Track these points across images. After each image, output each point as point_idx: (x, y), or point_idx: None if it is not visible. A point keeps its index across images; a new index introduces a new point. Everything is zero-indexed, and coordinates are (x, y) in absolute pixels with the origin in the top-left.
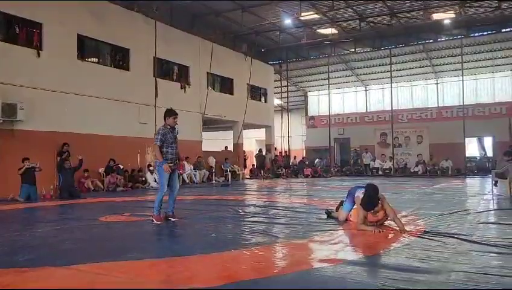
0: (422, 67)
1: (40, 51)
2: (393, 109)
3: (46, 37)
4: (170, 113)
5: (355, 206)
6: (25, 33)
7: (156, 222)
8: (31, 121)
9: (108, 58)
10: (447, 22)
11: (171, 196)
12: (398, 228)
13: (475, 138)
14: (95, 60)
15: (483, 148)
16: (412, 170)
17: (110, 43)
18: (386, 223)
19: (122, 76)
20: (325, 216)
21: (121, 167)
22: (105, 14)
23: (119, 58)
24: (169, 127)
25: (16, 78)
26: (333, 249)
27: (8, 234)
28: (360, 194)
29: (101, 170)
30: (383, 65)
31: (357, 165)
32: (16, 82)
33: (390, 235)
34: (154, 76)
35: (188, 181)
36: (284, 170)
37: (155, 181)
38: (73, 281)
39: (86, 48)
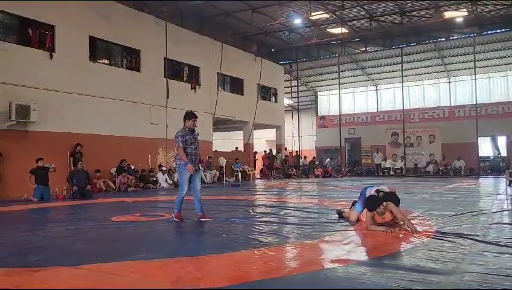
0: (434, 66)
1: (52, 53)
2: (405, 108)
3: (59, 39)
4: (190, 116)
5: None
6: (38, 35)
7: (175, 219)
8: (43, 122)
9: (120, 60)
10: (459, 20)
11: (195, 196)
12: (409, 229)
13: (488, 138)
14: (106, 61)
15: (496, 147)
16: (424, 170)
17: (121, 45)
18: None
19: (134, 77)
20: (336, 216)
21: (132, 167)
22: (116, 16)
23: (130, 59)
24: (187, 129)
25: (29, 79)
26: (344, 249)
27: (21, 234)
28: (371, 192)
29: (113, 170)
30: (394, 64)
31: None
32: (29, 83)
33: (401, 236)
34: (165, 77)
35: None
36: (294, 170)
37: (166, 181)
38: (84, 280)
39: (98, 49)
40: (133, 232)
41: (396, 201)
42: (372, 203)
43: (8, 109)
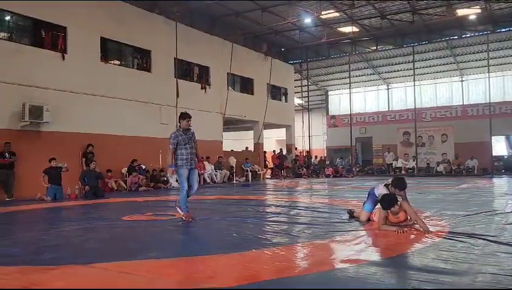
0: (447, 64)
1: (64, 54)
2: (417, 107)
3: (71, 40)
4: (184, 116)
5: (378, 206)
6: (50, 37)
7: (185, 219)
8: (56, 123)
9: (131, 60)
10: (472, 17)
11: (189, 192)
12: (421, 229)
13: (502, 137)
14: (117, 62)
15: (511, 146)
16: (436, 170)
17: (132, 45)
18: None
19: (144, 77)
20: (347, 216)
21: (143, 167)
22: (127, 17)
23: (140, 59)
24: (181, 129)
25: (42, 80)
26: (355, 249)
27: (35, 233)
28: (380, 188)
29: (124, 170)
30: (405, 63)
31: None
32: (42, 84)
33: (413, 236)
34: (175, 77)
35: (209, 181)
36: (304, 170)
37: (176, 181)
38: (96, 279)
39: (109, 50)
40: (144, 231)
41: (403, 186)
42: (388, 202)
43: (21, 110)
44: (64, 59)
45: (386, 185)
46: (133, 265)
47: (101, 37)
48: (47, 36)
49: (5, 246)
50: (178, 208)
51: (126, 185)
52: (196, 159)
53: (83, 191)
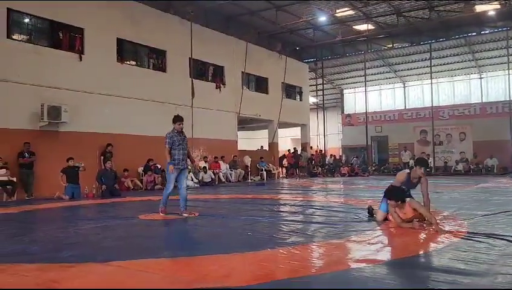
0: (465, 61)
1: (82, 55)
2: (434, 105)
3: (88, 41)
4: (176, 119)
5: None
6: (68, 38)
7: (160, 214)
8: (74, 123)
9: (146, 60)
10: (491, 13)
11: (180, 194)
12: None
13: None
14: (133, 62)
15: None
16: (454, 169)
17: (148, 46)
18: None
19: (160, 77)
20: (365, 214)
21: (159, 166)
22: (143, 18)
23: (156, 60)
24: (176, 131)
25: (60, 81)
26: (371, 249)
27: (54, 231)
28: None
29: (140, 169)
30: (422, 60)
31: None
32: (60, 85)
33: (431, 236)
34: (190, 77)
35: (224, 180)
36: (320, 169)
37: (191, 180)
38: (113, 277)
39: (125, 50)
40: (160, 230)
41: (424, 163)
42: (393, 193)
43: (40, 110)
44: (81, 60)
45: (408, 174)
46: (149, 263)
47: (117, 38)
48: (65, 38)
49: (24, 243)
50: (183, 212)
51: (142, 184)
52: (189, 160)
53: (100, 190)
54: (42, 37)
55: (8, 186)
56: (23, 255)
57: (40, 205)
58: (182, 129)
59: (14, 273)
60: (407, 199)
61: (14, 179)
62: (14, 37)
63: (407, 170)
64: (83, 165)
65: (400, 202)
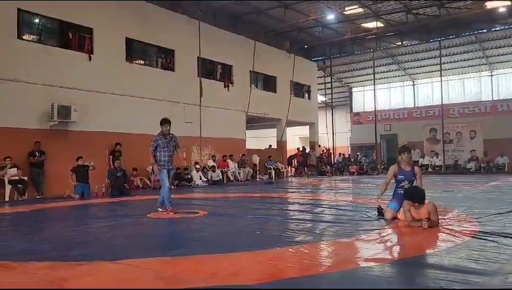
0: (475, 59)
1: (91, 55)
2: (444, 103)
3: (97, 41)
4: (163, 122)
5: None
6: (77, 38)
7: (169, 213)
8: (83, 122)
9: (155, 60)
10: (502, 10)
11: (161, 191)
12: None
13: None
14: (142, 61)
15: None
16: (465, 167)
17: (156, 45)
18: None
19: (168, 76)
20: (374, 213)
21: None
22: (151, 17)
23: (164, 59)
24: (162, 134)
25: (70, 81)
26: (381, 248)
27: (64, 229)
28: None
29: (149, 168)
30: (432, 58)
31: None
32: (70, 85)
33: (441, 235)
34: (198, 76)
35: (232, 179)
36: (328, 167)
37: (200, 179)
38: (123, 275)
39: (133, 50)
40: (169, 228)
41: (403, 149)
42: (414, 195)
43: (50, 110)
44: (90, 60)
45: (397, 164)
46: (158, 262)
47: (126, 38)
48: (74, 38)
49: (35, 242)
50: (158, 208)
51: (151, 183)
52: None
53: (109, 189)
54: (52, 37)
55: (19, 185)
56: (34, 253)
57: (50, 204)
58: (169, 132)
59: (25, 272)
60: (426, 201)
61: (25, 178)
62: (24, 37)
63: (394, 165)
64: (92, 164)
65: (417, 204)
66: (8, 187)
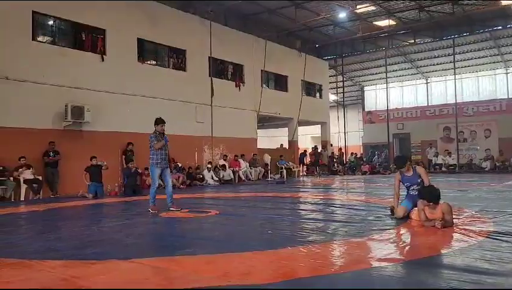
0: (490, 56)
1: (103, 56)
2: (458, 101)
3: (109, 42)
4: (158, 121)
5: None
6: (90, 39)
7: (151, 211)
8: (96, 122)
9: (166, 60)
10: None
11: (166, 190)
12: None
13: None
14: (153, 62)
15: None
16: (479, 166)
17: (168, 45)
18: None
19: (180, 76)
20: (386, 212)
21: (180, 165)
22: (163, 17)
23: (176, 59)
24: (158, 133)
25: (83, 81)
26: (393, 248)
27: (78, 229)
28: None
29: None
30: (445, 56)
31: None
32: (83, 85)
33: (454, 235)
34: (209, 75)
35: (243, 178)
36: (340, 166)
37: (212, 178)
38: (135, 274)
39: (145, 50)
40: (181, 227)
41: (400, 161)
42: (429, 194)
43: (64, 110)
44: (103, 60)
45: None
46: (171, 261)
47: (137, 38)
48: (87, 39)
49: (50, 240)
50: (171, 207)
51: (163, 182)
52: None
53: (122, 188)
54: (65, 39)
55: (34, 185)
56: (49, 251)
57: (64, 203)
58: (163, 131)
59: (41, 270)
60: (441, 202)
61: (40, 178)
62: (38, 39)
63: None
64: (105, 164)
65: (432, 203)
66: (23, 187)
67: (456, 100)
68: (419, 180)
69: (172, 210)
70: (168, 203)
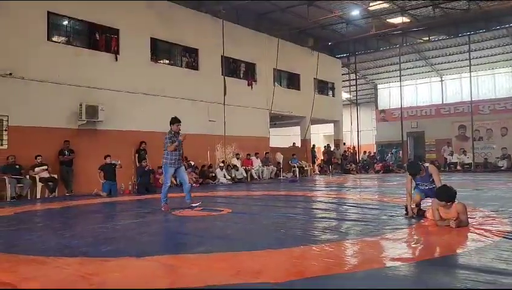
0: (507, 53)
1: (117, 55)
2: (474, 99)
3: (123, 42)
4: (174, 120)
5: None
6: (104, 39)
7: (163, 210)
8: (110, 121)
9: (179, 59)
10: None
11: (184, 188)
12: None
13: None
14: (166, 61)
15: None
16: (495, 165)
17: (180, 44)
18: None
19: (192, 76)
20: (400, 211)
21: (192, 163)
22: (175, 17)
23: (189, 58)
24: (173, 132)
25: (97, 81)
26: (407, 247)
27: (93, 226)
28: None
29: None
30: (460, 53)
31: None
32: (97, 85)
33: (469, 235)
34: (222, 74)
35: (256, 177)
36: (353, 165)
37: (224, 177)
38: (149, 271)
39: (158, 50)
40: (194, 226)
41: (413, 168)
42: (445, 194)
43: (78, 110)
44: (117, 60)
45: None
46: (184, 259)
47: (150, 38)
48: (101, 39)
49: (66, 238)
50: (192, 204)
51: (176, 180)
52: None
53: (135, 186)
54: (80, 39)
55: (49, 183)
56: (65, 249)
57: (79, 201)
58: (179, 130)
59: (57, 266)
60: (456, 201)
61: (55, 176)
62: (53, 39)
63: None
64: (119, 162)
65: (447, 203)
66: (39, 185)
67: (471, 98)
68: (431, 180)
69: (192, 206)
70: (186, 200)
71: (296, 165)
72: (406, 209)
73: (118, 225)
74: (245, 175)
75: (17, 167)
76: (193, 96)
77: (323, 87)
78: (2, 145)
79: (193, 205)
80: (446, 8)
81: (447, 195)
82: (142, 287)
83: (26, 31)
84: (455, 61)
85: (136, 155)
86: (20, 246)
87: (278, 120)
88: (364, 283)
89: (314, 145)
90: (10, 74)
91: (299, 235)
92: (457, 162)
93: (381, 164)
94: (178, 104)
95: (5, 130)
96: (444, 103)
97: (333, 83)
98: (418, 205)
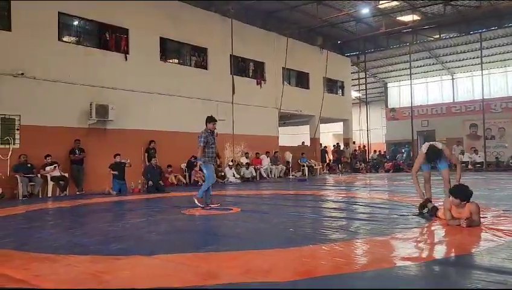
0: None
1: (127, 55)
2: (485, 97)
3: (132, 41)
4: (211, 119)
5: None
6: (114, 39)
7: (197, 203)
8: (120, 121)
9: (188, 58)
10: None
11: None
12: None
13: None
14: (175, 60)
15: None
16: (508, 164)
17: (190, 44)
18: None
19: (201, 75)
20: (410, 211)
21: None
22: (184, 16)
23: (198, 57)
24: (209, 131)
25: (107, 81)
26: (417, 247)
27: (103, 225)
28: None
29: (183, 165)
30: (472, 51)
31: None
32: (107, 84)
33: (481, 234)
34: (231, 73)
35: (265, 176)
36: (362, 164)
37: (233, 176)
38: (158, 270)
39: (167, 49)
40: (204, 224)
41: (432, 153)
42: (462, 192)
43: (89, 109)
44: (126, 60)
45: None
46: (193, 257)
47: (160, 37)
48: (111, 38)
49: (76, 236)
50: (196, 200)
51: (185, 179)
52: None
53: (145, 185)
54: (90, 39)
55: (60, 182)
56: (76, 247)
57: (90, 200)
58: (215, 129)
59: (68, 264)
60: (470, 201)
61: (66, 175)
62: (64, 39)
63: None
64: (129, 161)
65: (462, 202)
66: (50, 183)
67: (483, 96)
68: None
69: (211, 207)
70: (207, 200)
71: (305, 164)
72: (418, 209)
73: (128, 224)
74: (254, 174)
75: (29, 165)
76: (202, 95)
77: (333, 85)
78: (14, 144)
79: (212, 205)
80: (457, 5)
81: (463, 194)
82: (152, 285)
83: (37, 31)
84: (466, 59)
85: (146, 154)
86: (31, 244)
87: (287, 119)
88: (374, 282)
89: (325, 147)
90: (22, 73)
91: (308, 234)
92: (469, 161)
93: (391, 163)
94: (187, 103)
95: (17, 129)
96: (455, 101)
97: (342, 82)
98: (430, 200)
